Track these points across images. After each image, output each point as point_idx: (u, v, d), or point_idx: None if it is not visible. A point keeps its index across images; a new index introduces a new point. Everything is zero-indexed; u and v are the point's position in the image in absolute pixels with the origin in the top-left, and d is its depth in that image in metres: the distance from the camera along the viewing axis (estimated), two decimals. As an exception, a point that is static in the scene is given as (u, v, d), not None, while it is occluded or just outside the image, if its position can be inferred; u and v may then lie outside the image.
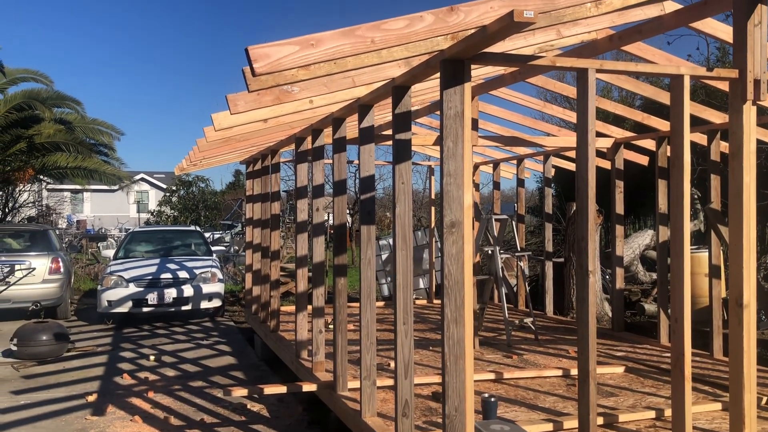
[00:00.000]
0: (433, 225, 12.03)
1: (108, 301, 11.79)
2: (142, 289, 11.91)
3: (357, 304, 5.07)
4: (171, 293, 11.94)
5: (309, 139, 6.47)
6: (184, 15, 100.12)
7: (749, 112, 4.26)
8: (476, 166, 11.36)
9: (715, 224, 7.10)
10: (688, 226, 4.17)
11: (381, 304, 11.18)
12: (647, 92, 7.41)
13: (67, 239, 28.07)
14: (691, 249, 10.09)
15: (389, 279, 13.35)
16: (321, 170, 6.22)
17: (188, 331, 11.47)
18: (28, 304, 11.89)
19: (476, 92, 7.04)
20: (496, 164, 11.16)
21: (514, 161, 10.76)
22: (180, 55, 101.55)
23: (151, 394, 7.19)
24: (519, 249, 9.19)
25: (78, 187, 27.30)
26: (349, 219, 18.98)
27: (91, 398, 7.08)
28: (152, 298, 11.82)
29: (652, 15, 5.10)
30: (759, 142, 6.80)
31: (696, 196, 11.47)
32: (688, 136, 4.19)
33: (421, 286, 13.04)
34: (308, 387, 5.92)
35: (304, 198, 6.90)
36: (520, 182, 10.69)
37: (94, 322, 12.34)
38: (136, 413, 6.46)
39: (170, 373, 8.31)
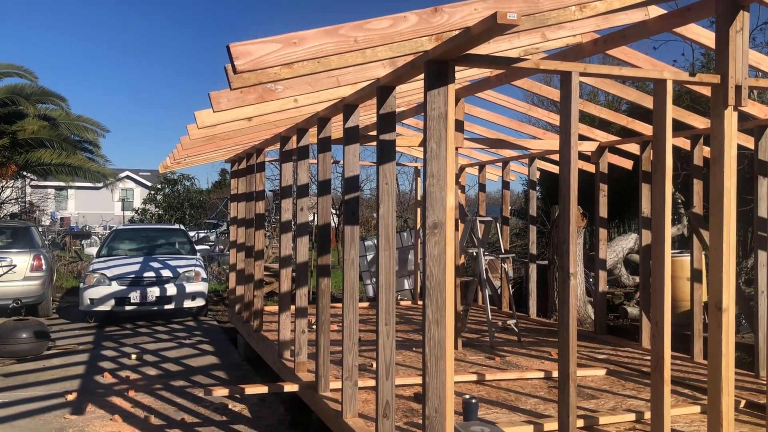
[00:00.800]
0: (419, 226, 12.04)
1: (90, 299, 11.69)
2: (125, 287, 11.82)
3: (341, 305, 5.06)
4: (154, 292, 11.86)
5: (294, 138, 6.45)
6: (169, 10, 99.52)
7: (730, 118, 4.29)
8: (462, 168, 11.38)
9: (697, 228, 7.15)
10: (669, 231, 4.20)
11: (366, 304, 11.17)
12: (632, 96, 7.46)
13: (50, 236, 27.83)
14: (674, 253, 10.18)
15: (374, 279, 13.34)
16: (306, 170, 6.20)
17: (171, 330, 11.40)
18: (9, 301, 11.77)
19: (462, 94, 7.05)
20: (481, 166, 11.19)
21: (500, 164, 10.79)
22: (167, 50, 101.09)
23: (132, 393, 7.13)
24: (503, 251, 9.22)
25: (62, 184, 27.08)
26: (335, 219, 18.94)
27: (71, 397, 7.01)
28: (135, 296, 11.74)
29: (637, 20, 5.13)
30: (740, 147, 6.86)
31: (680, 201, 11.56)
32: (671, 141, 4.22)
33: (407, 287, 13.04)
34: (290, 387, 5.90)
35: (289, 198, 6.88)
36: (506, 185, 10.72)
37: (76, 320, 12.23)
38: (116, 412, 6.40)
39: (152, 372, 8.25)
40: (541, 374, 6.37)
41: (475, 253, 8.21)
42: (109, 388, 7.39)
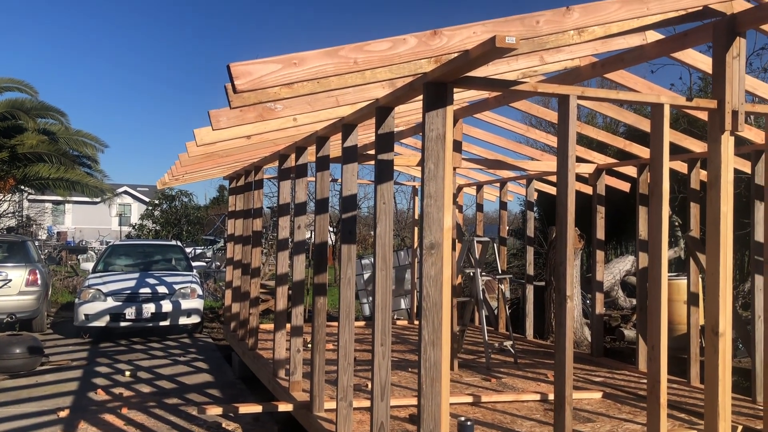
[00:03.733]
0: (416, 245, 12.03)
1: (85, 314, 11.63)
2: (120, 303, 11.77)
3: (337, 323, 5.04)
4: (149, 308, 11.80)
5: (293, 156, 6.47)
6: (171, 25, 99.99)
7: (727, 143, 4.32)
8: (460, 188, 11.40)
9: (694, 252, 7.15)
10: (666, 254, 4.20)
11: (362, 323, 11.12)
12: (629, 120, 7.50)
13: (46, 251, 27.75)
14: (671, 276, 10.17)
15: (371, 298, 13.30)
16: (304, 188, 6.21)
17: (166, 347, 11.33)
18: (3, 316, 11.70)
19: (460, 115, 7.09)
20: (479, 186, 11.21)
21: (498, 184, 10.82)
22: (167, 66, 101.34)
23: (125, 411, 7.07)
24: (500, 271, 9.21)
25: (60, 198, 27.02)
26: (332, 237, 18.92)
27: (63, 414, 6.95)
28: (130, 312, 11.68)
29: (635, 44, 5.18)
30: (737, 171, 6.89)
31: (677, 224, 11.58)
32: (668, 165, 4.24)
33: (403, 306, 13.00)
34: (284, 407, 5.86)
35: (287, 215, 6.88)
36: (503, 205, 10.74)
37: (71, 335, 12.15)
38: (109, 430, 6.34)
39: (146, 389, 8.19)
40: (537, 396, 6.33)
41: (472, 274, 8.19)
42: (102, 405, 7.33)
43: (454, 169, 7.44)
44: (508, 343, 8.27)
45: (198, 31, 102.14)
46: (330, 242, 16.43)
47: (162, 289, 12.22)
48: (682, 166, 7.73)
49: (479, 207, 11.32)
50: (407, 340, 9.82)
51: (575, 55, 5.35)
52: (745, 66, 4.44)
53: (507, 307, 9.02)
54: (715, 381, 4.16)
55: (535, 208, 10.25)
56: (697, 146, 7.48)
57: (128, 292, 12.00)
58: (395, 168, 10.17)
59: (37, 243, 21.05)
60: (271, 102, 3.94)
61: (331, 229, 16.70)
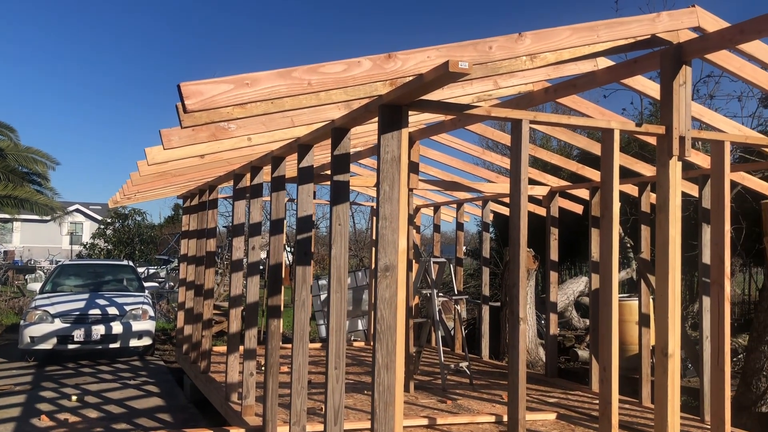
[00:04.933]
0: (374, 266, 11.99)
1: (31, 337, 11.23)
2: (68, 325, 11.41)
3: (291, 345, 4.97)
4: (99, 330, 11.47)
5: (248, 176, 6.40)
6: (122, 42, 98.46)
7: (675, 167, 4.43)
8: (417, 209, 11.45)
9: (644, 273, 7.30)
10: (616, 276, 4.27)
11: (318, 345, 11.01)
12: (582, 144, 7.65)
13: (-9, 270, 26.82)
14: (623, 297, 10.35)
15: (327, 320, 13.18)
16: (259, 208, 6.14)
17: (115, 371, 11.02)
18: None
19: (418, 137, 7.12)
20: (436, 207, 11.27)
21: (455, 205, 10.89)
22: (121, 82, 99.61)
23: (69, 438, 6.83)
24: (457, 292, 9.24)
25: (7, 216, 26.20)
26: (289, 257, 18.75)
27: (4, 442, 6.68)
28: (79, 334, 11.33)
29: (586, 70, 5.29)
30: (686, 195, 7.08)
31: (629, 245, 11.81)
32: (618, 188, 4.32)
33: (360, 327, 12.92)
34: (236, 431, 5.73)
35: (241, 236, 6.79)
36: (460, 226, 10.81)
37: (15, 359, 11.72)
38: (52, 458, 6.11)
39: (93, 414, 7.93)
40: (492, 418, 6.34)
41: (428, 294, 8.20)
42: (46, 432, 7.07)
43: (412, 190, 7.47)
44: (463, 364, 8.27)
45: (154, 45, 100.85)
46: (287, 262, 16.28)
47: (112, 311, 11.90)
48: (633, 189, 7.90)
49: (436, 228, 11.37)
50: (363, 362, 9.75)
51: (528, 80, 5.44)
52: (691, 93, 4.58)
53: (463, 327, 9.04)
54: (665, 401, 4.22)
55: (491, 229, 10.33)
56: (648, 170, 7.66)
57: (77, 313, 11.65)
58: (353, 188, 10.17)
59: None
60: (224, 122, 3.89)
61: (288, 248, 16.54)
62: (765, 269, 7.30)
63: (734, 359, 9.26)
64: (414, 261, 8.19)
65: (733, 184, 7.25)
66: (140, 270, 20.66)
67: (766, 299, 7.18)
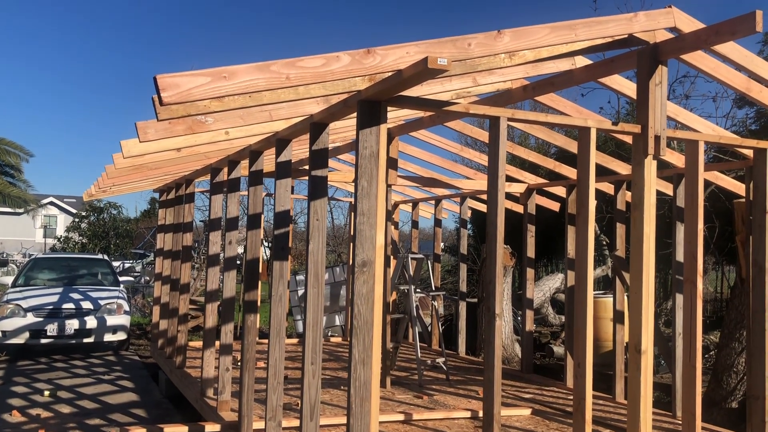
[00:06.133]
0: (351, 261, 11.98)
1: (2, 331, 11.06)
2: (41, 319, 11.25)
3: (268, 341, 4.95)
4: (73, 324, 11.32)
5: (225, 170, 6.35)
6: (99, 32, 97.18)
7: (650, 166, 4.48)
8: (396, 205, 11.45)
9: (619, 271, 7.38)
10: (591, 273, 4.31)
11: (295, 341, 10.98)
12: (559, 142, 7.70)
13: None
14: (598, 294, 10.46)
15: (305, 315, 13.16)
16: (236, 202, 6.10)
17: (89, 365, 10.88)
18: None
19: (396, 133, 7.13)
20: (415, 203, 11.29)
21: (433, 201, 10.92)
22: (97, 73, 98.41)
23: (41, 433, 6.73)
24: (434, 288, 9.26)
25: (-21, 208, 25.81)
26: (267, 252, 18.68)
27: (-26, 437, 6.57)
28: (52, 329, 11.18)
29: (564, 68, 5.33)
30: (660, 193, 7.16)
31: (605, 243, 11.94)
32: (594, 186, 4.36)
33: (338, 323, 12.91)
34: (211, 427, 5.70)
35: (218, 230, 6.74)
36: (438, 222, 10.84)
37: (-14, 353, 11.54)
38: (23, 454, 6.03)
39: (66, 409, 7.83)
40: (468, 414, 6.37)
41: (406, 290, 8.21)
42: (17, 428, 6.96)
43: (390, 186, 7.47)
44: (440, 360, 8.30)
45: (130, 37, 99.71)
46: (264, 257, 16.21)
47: (86, 305, 11.75)
48: (609, 188, 7.98)
49: (415, 224, 11.39)
50: (340, 357, 9.74)
51: (507, 77, 5.46)
52: (667, 93, 4.63)
53: (440, 323, 9.07)
54: (638, 397, 4.28)
55: (468, 226, 10.37)
56: (624, 168, 7.74)
57: (50, 307, 11.49)
58: (332, 184, 10.14)
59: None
60: (201, 115, 3.85)
61: (266, 243, 16.46)
62: (737, 267, 7.42)
63: (706, 356, 9.41)
64: (392, 257, 8.19)
65: (707, 184, 7.35)
66: (115, 264, 20.43)
67: (737, 297, 7.30)
